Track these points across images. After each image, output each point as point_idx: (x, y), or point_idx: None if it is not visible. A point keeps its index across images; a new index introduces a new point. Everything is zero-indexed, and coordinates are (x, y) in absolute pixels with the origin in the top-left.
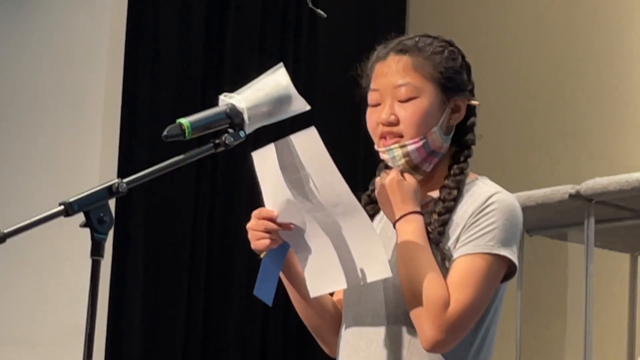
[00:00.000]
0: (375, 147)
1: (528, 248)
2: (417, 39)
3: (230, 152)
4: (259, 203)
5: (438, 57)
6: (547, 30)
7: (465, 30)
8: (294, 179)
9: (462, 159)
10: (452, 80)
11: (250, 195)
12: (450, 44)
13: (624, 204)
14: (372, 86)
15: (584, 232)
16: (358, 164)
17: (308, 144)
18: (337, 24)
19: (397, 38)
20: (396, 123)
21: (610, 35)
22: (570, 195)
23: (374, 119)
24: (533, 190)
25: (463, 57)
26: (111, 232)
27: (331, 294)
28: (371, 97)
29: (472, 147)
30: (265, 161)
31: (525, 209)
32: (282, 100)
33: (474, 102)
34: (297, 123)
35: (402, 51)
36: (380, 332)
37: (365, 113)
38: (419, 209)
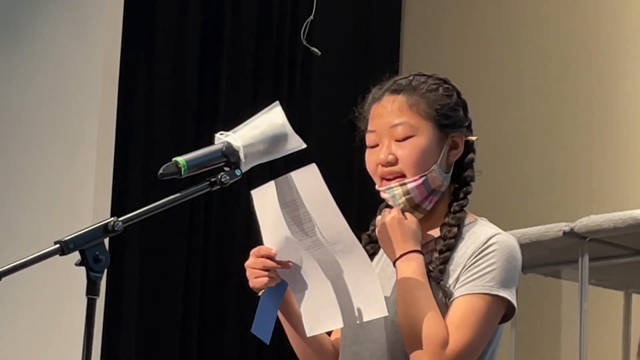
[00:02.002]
0: (376, 187)
1: (522, 286)
2: (411, 77)
3: (223, 190)
4: (253, 240)
5: (433, 95)
6: (541, 69)
7: (460, 69)
8: (294, 216)
9: (461, 195)
10: (448, 117)
11: (244, 233)
12: (445, 81)
13: (618, 241)
14: (369, 127)
15: (578, 270)
16: (352, 203)
17: (308, 181)
18: (331, 62)
19: (392, 78)
20: (395, 162)
21: (603, 75)
22: (565, 233)
23: (372, 160)
24: (527, 227)
25: (459, 94)
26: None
27: (329, 333)
28: (369, 139)
29: (472, 183)
30: (264, 198)
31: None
32: (278, 139)
33: (471, 138)
34: (291, 161)
35: (396, 91)
36: None
37: (364, 154)
38: (419, 248)
